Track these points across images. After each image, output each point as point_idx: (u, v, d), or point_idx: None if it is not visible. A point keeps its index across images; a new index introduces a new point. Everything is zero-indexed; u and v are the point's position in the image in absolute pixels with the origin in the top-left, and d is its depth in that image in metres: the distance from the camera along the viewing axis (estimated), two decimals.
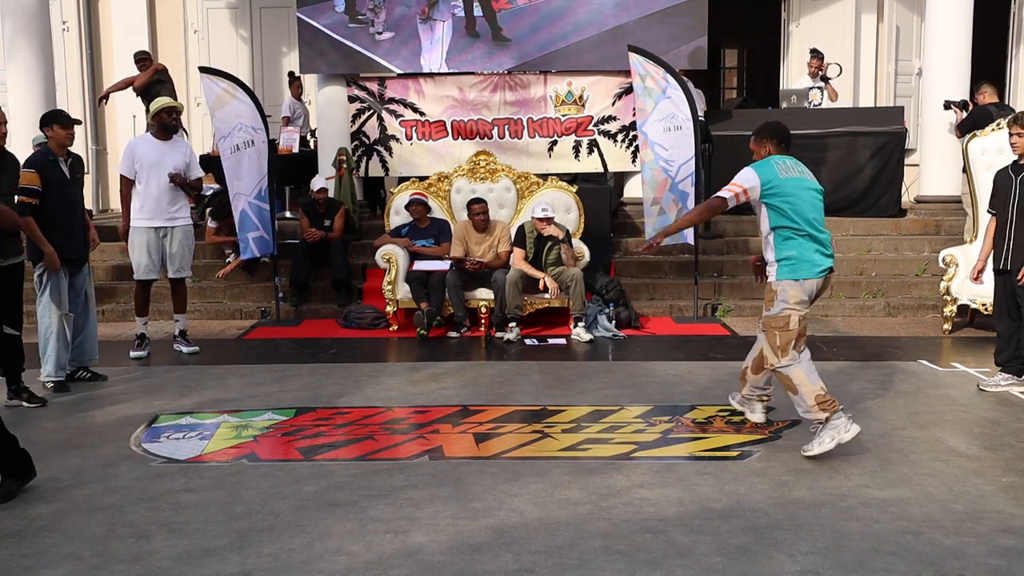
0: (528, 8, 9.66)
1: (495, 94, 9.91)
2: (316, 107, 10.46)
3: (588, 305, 7.69)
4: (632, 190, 10.14)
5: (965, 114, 9.15)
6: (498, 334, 7.64)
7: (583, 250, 8.00)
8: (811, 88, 10.68)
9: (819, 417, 4.60)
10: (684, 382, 6.14)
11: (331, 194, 9.22)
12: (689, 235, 8.18)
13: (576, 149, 9.97)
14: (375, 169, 10.07)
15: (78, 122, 6.30)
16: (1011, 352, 5.84)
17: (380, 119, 9.95)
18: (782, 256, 4.67)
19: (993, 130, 7.52)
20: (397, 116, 9.94)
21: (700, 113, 8.85)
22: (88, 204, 7.85)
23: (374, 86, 9.92)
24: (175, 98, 10.13)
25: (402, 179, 9.41)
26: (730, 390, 5.91)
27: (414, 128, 9.96)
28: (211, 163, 9.58)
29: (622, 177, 10.36)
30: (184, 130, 10.30)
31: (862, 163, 9.89)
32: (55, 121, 6.11)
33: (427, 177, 8.91)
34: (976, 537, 3.68)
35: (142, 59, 10.19)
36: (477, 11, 9.63)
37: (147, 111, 7.96)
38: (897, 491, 4.16)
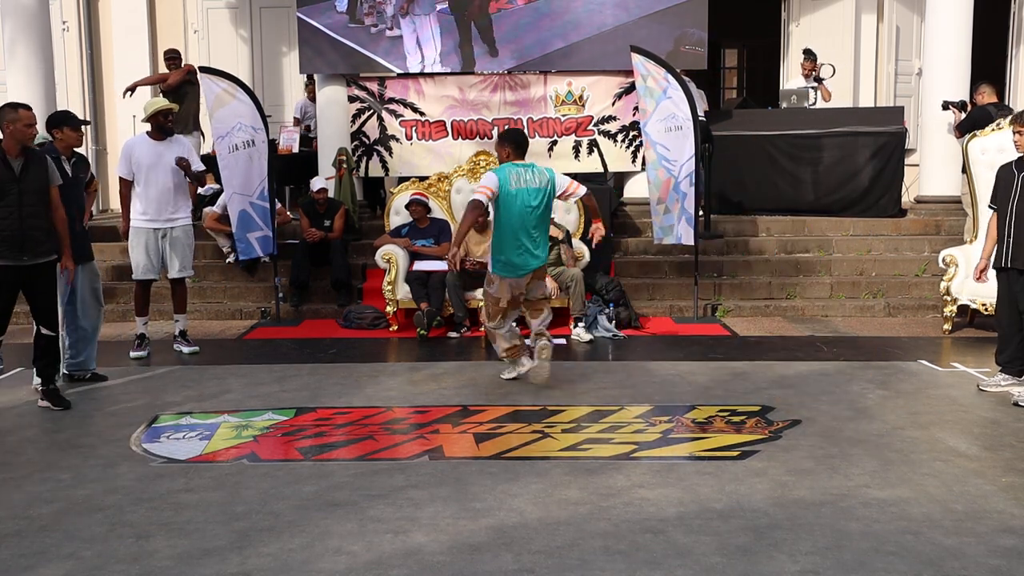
0: (528, 8, 9.65)
1: (495, 94, 9.91)
2: (316, 107, 10.44)
3: (588, 305, 7.69)
4: (632, 190, 10.13)
5: (964, 114, 9.15)
6: None
7: (583, 250, 8.00)
8: (806, 88, 10.68)
9: (504, 357, 6.10)
10: (684, 382, 6.14)
11: (331, 194, 9.22)
12: (689, 235, 8.18)
13: (576, 149, 9.97)
14: (375, 169, 10.07)
15: (87, 123, 6.31)
16: (1012, 352, 5.83)
17: (380, 119, 9.95)
18: (494, 255, 5.90)
19: (993, 130, 7.52)
20: (397, 116, 9.94)
21: (701, 113, 8.86)
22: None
23: (374, 86, 9.92)
24: (198, 101, 10.16)
25: (402, 179, 9.40)
26: (730, 390, 5.94)
27: (414, 128, 9.95)
28: (211, 163, 9.58)
29: (622, 177, 10.35)
30: (201, 133, 10.33)
31: (862, 163, 9.89)
32: (65, 123, 6.13)
33: (427, 177, 8.90)
34: (976, 537, 3.68)
35: (172, 57, 10.18)
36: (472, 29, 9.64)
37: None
38: (897, 491, 4.16)
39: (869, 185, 9.89)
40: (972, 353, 6.94)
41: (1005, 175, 5.86)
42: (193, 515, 3.96)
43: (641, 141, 9.22)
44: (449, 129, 9.94)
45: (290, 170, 10.13)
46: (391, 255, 7.93)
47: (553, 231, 7.66)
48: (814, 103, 10.54)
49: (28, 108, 5.56)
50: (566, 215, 8.28)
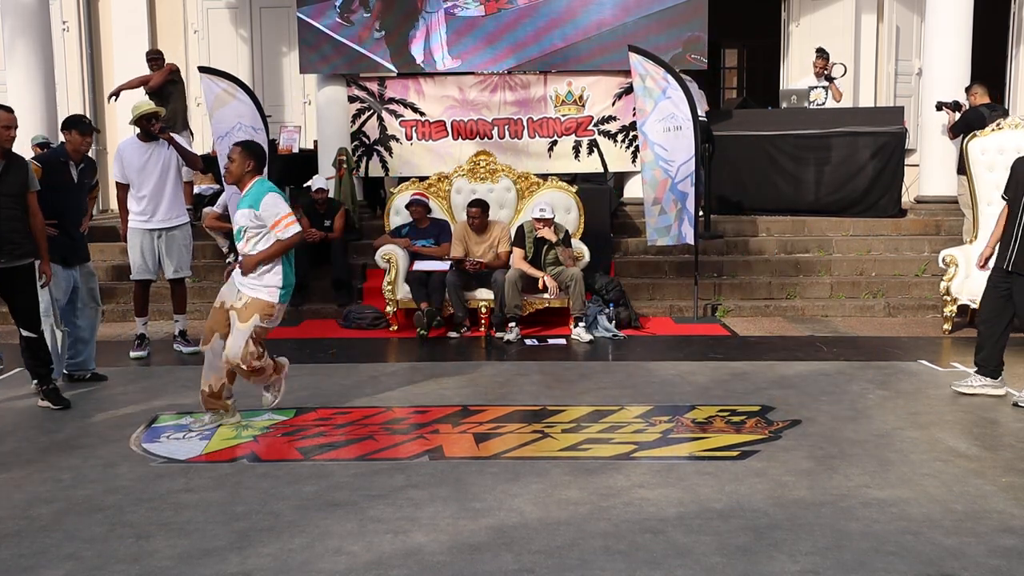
0: (528, 8, 9.66)
1: (495, 94, 9.92)
2: (316, 107, 10.45)
3: (588, 305, 7.69)
4: (632, 190, 10.14)
5: (957, 115, 9.15)
6: (498, 334, 7.64)
7: (583, 250, 8.00)
8: (815, 87, 10.68)
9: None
10: (684, 382, 6.14)
11: (331, 194, 9.22)
12: (691, 235, 8.18)
13: (576, 149, 9.97)
14: (375, 169, 10.07)
15: (97, 131, 6.31)
16: (989, 351, 5.71)
17: (380, 119, 9.95)
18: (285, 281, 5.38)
19: (993, 130, 7.52)
20: (397, 116, 9.94)
21: (702, 113, 8.85)
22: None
23: (374, 86, 9.92)
24: (185, 99, 10.12)
25: (402, 179, 9.40)
26: (730, 390, 5.94)
27: (414, 128, 9.95)
28: (212, 163, 9.57)
29: (622, 177, 10.36)
30: (190, 132, 10.30)
31: (862, 163, 9.89)
32: (74, 127, 6.14)
33: (427, 177, 8.90)
34: (976, 537, 3.68)
35: (154, 58, 10.03)
36: (477, 11, 9.63)
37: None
38: (897, 491, 4.16)
39: (869, 185, 9.90)
40: (972, 353, 6.90)
41: (1021, 168, 5.68)
42: (193, 515, 3.96)
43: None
44: (449, 129, 9.94)
45: (290, 170, 10.13)
46: (391, 255, 7.93)
47: (547, 234, 7.68)
48: (823, 103, 10.54)
49: (9, 110, 5.51)
50: (566, 215, 8.28)
